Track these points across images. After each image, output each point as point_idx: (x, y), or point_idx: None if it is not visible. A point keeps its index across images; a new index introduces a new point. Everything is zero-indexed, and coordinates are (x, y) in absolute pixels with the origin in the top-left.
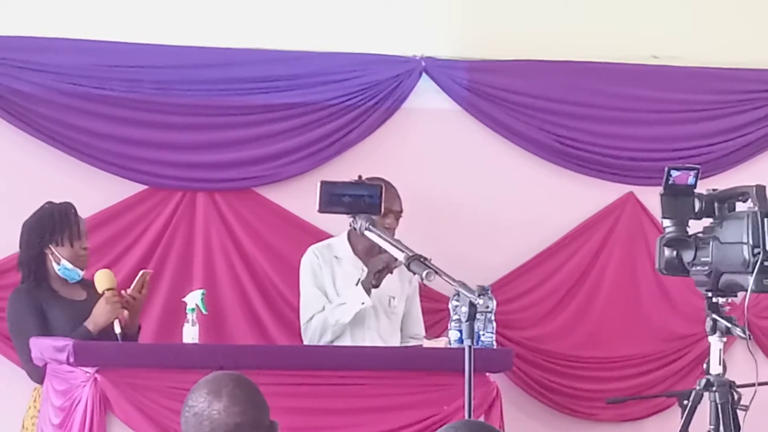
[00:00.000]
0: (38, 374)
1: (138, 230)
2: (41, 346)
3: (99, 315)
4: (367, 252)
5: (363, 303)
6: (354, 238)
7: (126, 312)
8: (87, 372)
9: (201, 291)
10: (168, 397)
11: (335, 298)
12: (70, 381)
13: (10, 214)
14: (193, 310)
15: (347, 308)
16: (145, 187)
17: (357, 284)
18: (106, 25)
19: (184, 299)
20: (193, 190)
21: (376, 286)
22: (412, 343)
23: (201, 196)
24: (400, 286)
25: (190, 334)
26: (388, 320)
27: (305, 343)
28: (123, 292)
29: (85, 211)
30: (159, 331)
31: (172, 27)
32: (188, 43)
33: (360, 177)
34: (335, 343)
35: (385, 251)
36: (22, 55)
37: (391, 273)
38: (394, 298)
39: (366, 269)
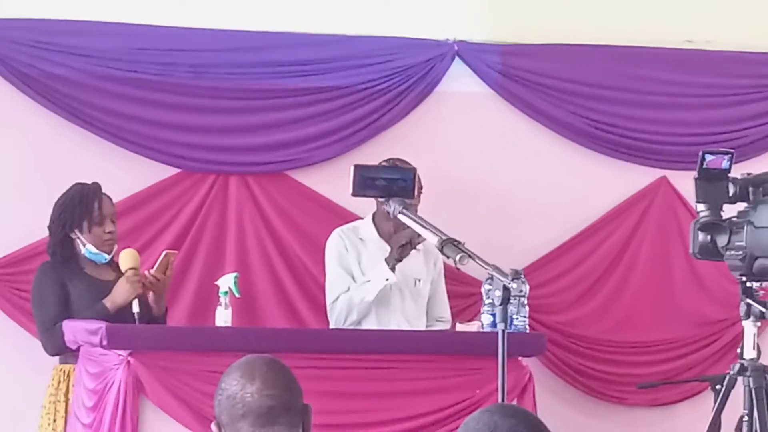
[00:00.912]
0: (53, 346)
1: (171, 213)
2: (74, 329)
3: (118, 293)
4: (391, 234)
5: (387, 279)
6: (379, 220)
7: (151, 293)
8: (120, 355)
9: (234, 274)
10: (201, 380)
11: (361, 279)
12: (104, 364)
13: (44, 198)
14: (225, 293)
15: (371, 285)
16: (178, 170)
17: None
18: (140, 8)
19: (216, 282)
20: (226, 174)
21: (399, 260)
22: (438, 326)
23: (234, 179)
24: (425, 268)
25: (223, 317)
26: (414, 303)
27: (331, 323)
28: (147, 272)
29: (118, 194)
30: (192, 314)
31: (206, 10)
32: (222, 26)
33: (393, 160)
34: (362, 326)
35: (408, 227)
36: (56, 39)
37: (414, 248)
38: (419, 280)
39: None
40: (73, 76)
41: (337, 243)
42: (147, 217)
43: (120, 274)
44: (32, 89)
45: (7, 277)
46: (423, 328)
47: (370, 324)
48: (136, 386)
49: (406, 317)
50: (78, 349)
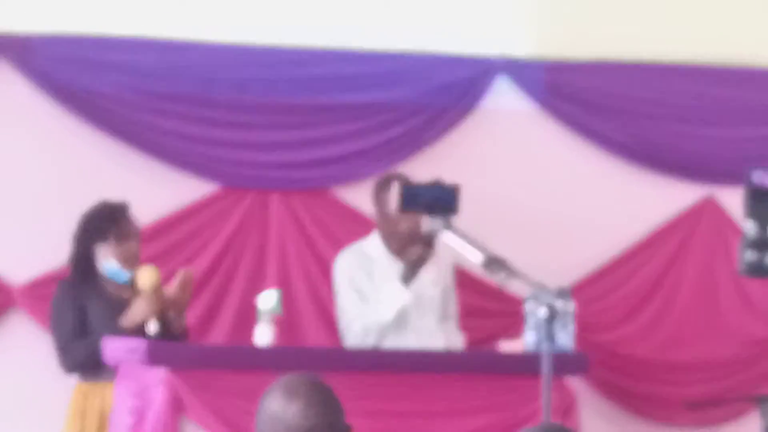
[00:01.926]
0: (65, 366)
1: (211, 230)
2: (114, 347)
3: (135, 312)
4: (401, 248)
5: (403, 301)
6: (387, 236)
7: (171, 312)
8: (160, 373)
9: (277, 291)
10: (241, 399)
11: (374, 298)
12: (144, 382)
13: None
14: (267, 311)
15: (386, 307)
16: (219, 186)
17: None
18: (182, 24)
19: (257, 300)
20: (268, 190)
21: (413, 277)
22: (449, 324)
23: (275, 196)
24: (437, 276)
25: (265, 335)
26: (432, 315)
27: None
28: (164, 291)
29: (160, 210)
30: (233, 332)
31: (246, 27)
32: (262, 43)
33: (438, 178)
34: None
35: (418, 243)
36: (98, 55)
37: (426, 262)
38: (433, 281)
39: (402, 264)
40: (113, 92)
41: (346, 264)
42: (188, 233)
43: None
44: (73, 106)
45: (47, 295)
46: (442, 339)
47: (390, 343)
48: (176, 404)
49: (427, 331)
50: (96, 367)
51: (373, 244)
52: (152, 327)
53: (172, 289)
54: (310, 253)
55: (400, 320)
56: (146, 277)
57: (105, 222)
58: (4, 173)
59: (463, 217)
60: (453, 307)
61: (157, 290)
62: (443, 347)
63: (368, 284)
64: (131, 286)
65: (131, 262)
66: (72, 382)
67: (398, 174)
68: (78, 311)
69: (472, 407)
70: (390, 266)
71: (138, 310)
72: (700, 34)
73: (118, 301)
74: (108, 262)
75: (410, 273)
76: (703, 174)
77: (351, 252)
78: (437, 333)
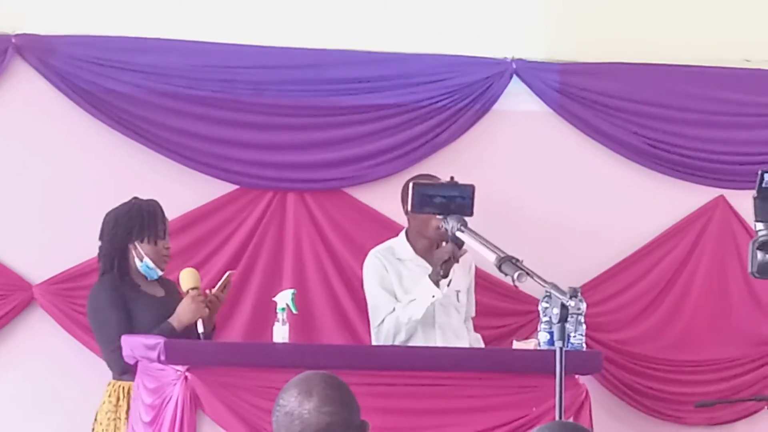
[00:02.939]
0: (119, 367)
1: (228, 230)
2: (132, 344)
3: (184, 313)
4: (427, 250)
5: (434, 296)
6: (413, 237)
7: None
8: (178, 370)
9: (291, 290)
10: (258, 396)
11: (403, 298)
12: (161, 379)
13: (103, 213)
14: (283, 309)
15: (417, 304)
16: (236, 186)
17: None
18: (199, 25)
19: (274, 299)
20: (284, 191)
21: (445, 276)
22: (468, 323)
23: (291, 196)
24: (463, 279)
25: (281, 333)
26: (458, 315)
27: (377, 344)
28: (207, 291)
29: (176, 210)
30: (249, 330)
31: (264, 28)
32: (280, 44)
33: (452, 178)
34: (408, 344)
35: (448, 242)
36: (116, 55)
37: (457, 262)
38: (460, 291)
39: (429, 266)
40: (133, 92)
41: (375, 264)
42: (205, 233)
43: (168, 290)
44: (93, 106)
45: (66, 292)
46: (466, 338)
47: (416, 341)
48: (193, 401)
49: (452, 330)
50: (136, 365)
51: (401, 245)
52: (200, 327)
53: (214, 289)
54: (325, 252)
55: (426, 317)
56: (189, 278)
57: (142, 221)
58: (25, 172)
59: (476, 217)
60: (472, 309)
61: (201, 291)
62: (468, 346)
63: (397, 284)
64: (158, 282)
65: (164, 260)
66: (88, 378)
67: (428, 175)
68: (122, 311)
69: (486, 405)
70: (417, 267)
71: (187, 312)
72: (712, 37)
73: (155, 299)
74: (145, 260)
75: (441, 272)
76: (714, 175)
77: (380, 251)
78: (462, 332)
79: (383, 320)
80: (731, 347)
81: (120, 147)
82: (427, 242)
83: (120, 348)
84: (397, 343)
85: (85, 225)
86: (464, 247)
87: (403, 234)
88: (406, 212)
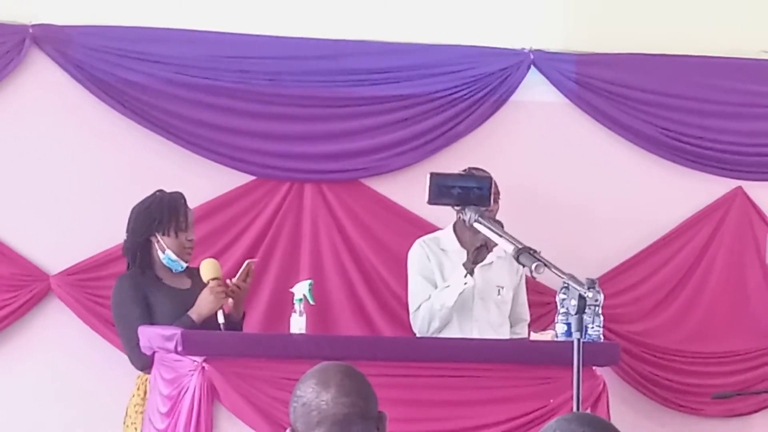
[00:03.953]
0: (141, 361)
1: (246, 220)
2: (149, 335)
3: (203, 305)
4: (472, 244)
5: (465, 283)
6: (459, 230)
7: (231, 301)
8: (195, 361)
9: (309, 281)
10: (275, 387)
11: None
12: (178, 370)
13: (120, 203)
14: (300, 300)
15: (450, 291)
16: (254, 177)
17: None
18: (216, 16)
19: (291, 289)
20: (301, 181)
21: (476, 263)
22: (520, 326)
23: (309, 187)
24: (509, 276)
25: (298, 324)
26: (498, 310)
27: (415, 332)
28: (228, 281)
29: (194, 200)
30: (266, 320)
31: (282, 18)
32: (298, 34)
33: (469, 169)
34: (444, 334)
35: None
36: (133, 46)
37: (490, 251)
38: (503, 287)
39: None
40: (150, 83)
41: (419, 253)
42: (223, 224)
43: (195, 281)
44: (109, 96)
45: (83, 283)
46: (507, 335)
47: (452, 332)
48: (210, 392)
49: (490, 325)
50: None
51: (447, 236)
52: (221, 317)
53: (235, 279)
54: (342, 243)
55: (464, 309)
56: (210, 269)
57: (163, 213)
58: (42, 162)
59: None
60: (524, 312)
61: (221, 281)
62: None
63: (438, 274)
64: (185, 273)
65: (187, 252)
66: (104, 369)
67: (476, 168)
68: (143, 304)
69: (504, 396)
70: (461, 259)
71: (206, 303)
72: (729, 28)
73: (178, 291)
74: (167, 252)
75: (474, 259)
76: (732, 166)
77: (426, 241)
78: (502, 328)
79: (419, 306)
80: (749, 339)
81: (137, 137)
82: (473, 235)
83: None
84: (432, 330)
85: (102, 215)
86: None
87: (450, 226)
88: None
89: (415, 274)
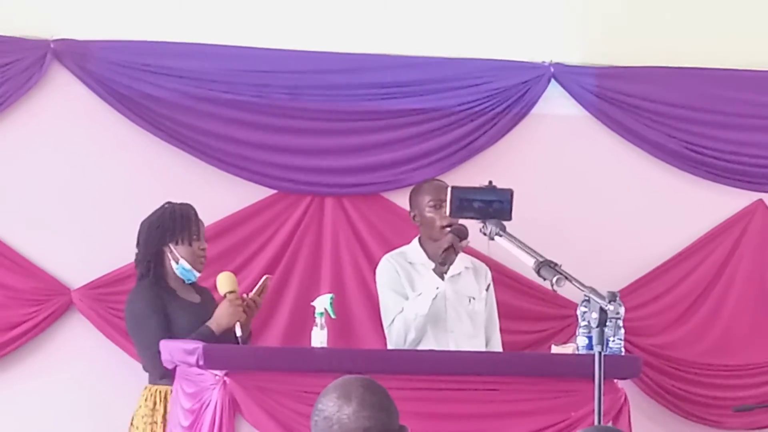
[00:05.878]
0: (158, 371)
1: (267, 234)
2: (170, 349)
3: (222, 317)
4: (438, 254)
5: (438, 288)
6: (425, 243)
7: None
8: (216, 375)
9: (330, 295)
10: (296, 401)
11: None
12: (200, 383)
13: (139, 217)
14: (321, 314)
15: (423, 297)
16: (274, 191)
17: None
18: (236, 30)
19: (312, 303)
20: (322, 195)
21: (444, 264)
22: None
23: (329, 200)
24: (477, 287)
25: (319, 337)
26: (470, 321)
27: (389, 346)
28: (244, 295)
29: (215, 214)
30: (287, 334)
31: (302, 32)
32: (318, 48)
33: (490, 182)
34: (421, 347)
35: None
36: (154, 60)
37: (458, 252)
38: (473, 298)
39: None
40: (170, 97)
41: (388, 267)
42: (243, 238)
43: (203, 296)
44: (130, 111)
45: (105, 297)
46: (481, 346)
47: (429, 345)
48: (232, 406)
49: (464, 336)
50: (175, 370)
51: (413, 250)
52: (239, 330)
53: (252, 293)
54: (363, 257)
55: (438, 321)
56: (227, 282)
57: (175, 223)
58: (64, 177)
59: (514, 221)
60: (493, 328)
61: (238, 295)
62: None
63: (408, 287)
64: (193, 287)
65: (200, 261)
66: (126, 382)
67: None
68: (160, 315)
69: (525, 410)
70: (429, 271)
71: (225, 315)
72: (750, 40)
73: (191, 304)
74: (181, 261)
75: (442, 260)
76: (752, 179)
77: (392, 256)
78: (476, 340)
79: (393, 320)
80: None
81: (158, 151)
82: (437, 246)
83: (159, 352)
84: (408, 342)
85: (123, 229)
86: (466, 240)
87: (416, 240)
88: (413, 218)
89: (386, 288)
